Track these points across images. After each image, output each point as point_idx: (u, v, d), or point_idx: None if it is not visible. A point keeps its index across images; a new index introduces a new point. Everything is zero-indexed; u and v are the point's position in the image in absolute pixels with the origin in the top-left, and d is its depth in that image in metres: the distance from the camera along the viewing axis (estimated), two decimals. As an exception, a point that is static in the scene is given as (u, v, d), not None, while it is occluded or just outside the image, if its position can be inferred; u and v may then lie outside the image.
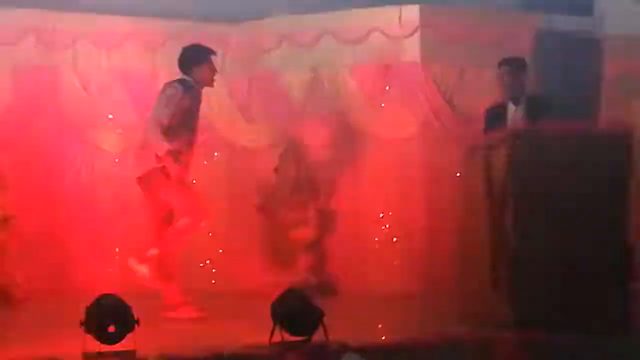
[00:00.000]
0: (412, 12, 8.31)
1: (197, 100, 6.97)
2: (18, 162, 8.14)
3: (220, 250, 8.72)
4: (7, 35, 8.17)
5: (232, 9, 8.67)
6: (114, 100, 8.58)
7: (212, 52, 7.03)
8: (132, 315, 4.93)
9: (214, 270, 8.68)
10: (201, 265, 8.66)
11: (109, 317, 4.87)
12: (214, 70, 7.00)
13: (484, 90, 8.01)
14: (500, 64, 7.08)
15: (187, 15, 8.63)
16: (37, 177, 8.29)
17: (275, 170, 8.52)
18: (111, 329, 4.84)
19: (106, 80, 8.56)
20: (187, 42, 8.48)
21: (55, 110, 8.41)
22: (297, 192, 8.43)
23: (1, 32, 8.13)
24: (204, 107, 8.58)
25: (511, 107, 6.94)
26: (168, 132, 6.59)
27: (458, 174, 7.09)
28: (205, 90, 8.60)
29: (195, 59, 6.95)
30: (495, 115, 6.98)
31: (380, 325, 6.30)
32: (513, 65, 7.03)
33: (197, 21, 8.66)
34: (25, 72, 8.28)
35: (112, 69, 8.57)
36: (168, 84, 6.90)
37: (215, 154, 8.82)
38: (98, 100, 8.53)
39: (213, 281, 8.62)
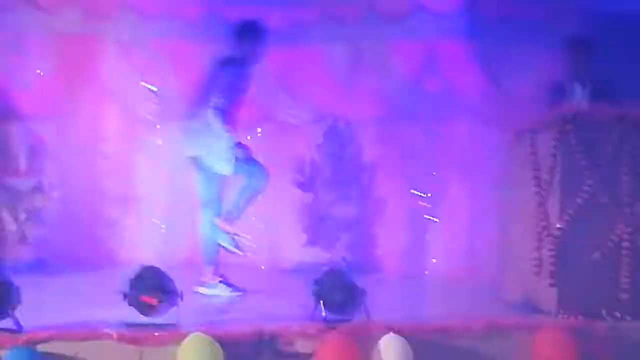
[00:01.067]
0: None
1: (249, 78, 6.87)
2: (60, 131, 8.16)
3: (262, 226, 8.70)
4: (52, 3, 8.14)
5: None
6: (158, 73, 8.55)
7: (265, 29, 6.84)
8: (176, 289, 4.92)
9: (254, 246, 8.65)
10: (243, 240, 8.64)
11: (152, 290, 4.85)
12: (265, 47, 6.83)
13: (531, 70, 7.88)
14: (567, 43, 6.86)
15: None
16: (80, 145, 8.30)
17: (318, 147, 8.46)
18: (154, 301, 4.82)
19: (150, 52, 8.51)
20: (233, 16, 8.56)
21: (98, 79, 8.40)
22: (339, 171, 8.38)
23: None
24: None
25: (574, 88, 6.75)
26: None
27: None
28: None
29: (251, 35, 6.78)
30: (556, 96, 6.80)
31: (422, 308, 6.24)
32: (580, 45, 6.82)
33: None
34: (69, 41, 8.26)
35: (154, 40, 8.52)
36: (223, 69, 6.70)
37: (259, 129, 8.77)
38: (141, 70, 8.50)
39: (253, 256, 8.60)
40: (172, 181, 8.44)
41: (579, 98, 6.68)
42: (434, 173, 8.32)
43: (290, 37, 8.68)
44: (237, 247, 6.69)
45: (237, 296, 6.57)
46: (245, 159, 6.64)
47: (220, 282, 6.69)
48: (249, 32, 6.75)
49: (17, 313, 4.63)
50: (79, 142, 8.33)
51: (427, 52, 8.36)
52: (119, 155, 8.52)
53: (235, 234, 6.71)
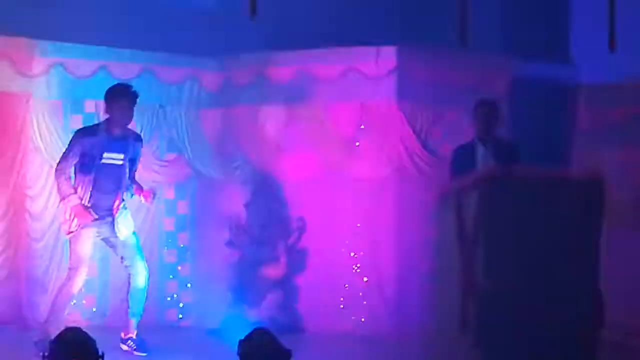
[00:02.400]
0: (389, 53, 8.33)
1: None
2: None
3: (189, 285, 8.65)
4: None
5: (208, 42, 8.65)
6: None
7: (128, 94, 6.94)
8: (97, 350, 4.83)
9: (181, 305, 8.60)
10: (168, 299, 8.58)
11: (74, 351, 4.76)
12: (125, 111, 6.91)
13: (458, 132, 8.05)
14: (475, 106, 7.13)
15: (162, 47, 8.59)
16: (6, 205, 8.17)
17: (246, 205, 8.48)
18: (75, 363, 4.72)
19: (78, 109, 8.45)
20: (160, 75, 8.62)
21: (23, 136, 8.26)
22: (267, 229, 8.39)
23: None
24: (176, 139, 8.69)
25: (480, 149, 6.98)
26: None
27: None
28: (179, 120, 8.70)
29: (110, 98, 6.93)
30: (463, 156, 7.02)
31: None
32: (486, 107, 7.10)
33: (172, 53, 8.63)
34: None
35: (84, 99, 8.46)
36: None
37: (183, 185, 8.77)
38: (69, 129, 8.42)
39: (180, 316, 8.54)
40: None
41: (484, 159, 6.89)
42: (358, 225, 8.35)
43: (224, 98, 8.76)
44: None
45: (141, 357, 6.57)
46: None
47: (129, 338, 6.72)
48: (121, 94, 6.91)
49: None
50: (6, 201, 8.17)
51: (358, 113, 8.44)
52: (46, 215, 8.35)
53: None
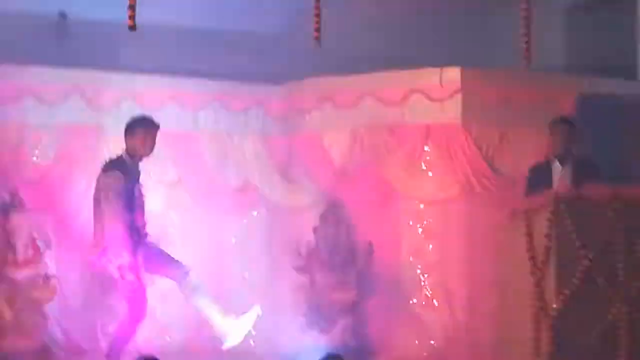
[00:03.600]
0: (453, 74, 8.32)
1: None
2: (59, 222, 8.20)
3: (260, 312, 8.67)
4: (53, 94, 8.27)
5: (273, 69, 8.75)
6: (155, 161, 8.63)
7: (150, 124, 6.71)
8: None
9: (253, 332, 8.63)
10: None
11: (149, 380, 4.84)
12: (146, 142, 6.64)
13: (525, 152, 8.00)
14: (551, 123, 7.01)
15: (228, 76, 8.70)
16: (77, 237, 8.32)
17: (315, 230, 8.50)
18: (151, 391, 4.81)
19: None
20: (227, 103, 8.73)
21: (94, 169, 8.45)
22: (336, 254, 8.39)
23: (48, 90, 8.24)
24: (244, 167, 8.77)
25: (557, 168, 6.84)
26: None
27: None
28: (246, 149, 8.78)
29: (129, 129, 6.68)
30: (539, 174, 6.90)
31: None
32: (564, 125, 6.96)
33: (239, 82, 8.73)
34: (69, 132, 8.36)
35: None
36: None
37: (255, 213, 8.85)
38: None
39: (252, 342, 8.57)
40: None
41: (562, 178, 6.76)
42: (427, 248, 8.30)
43: (290, 124, 8.83)
44: None
45: None
46: None
47: None
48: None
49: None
50: (78, 233, 8.33)
51: (424, 135, 8.43)
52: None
53: None
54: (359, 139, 8.63)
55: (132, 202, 6.53)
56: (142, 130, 6.60)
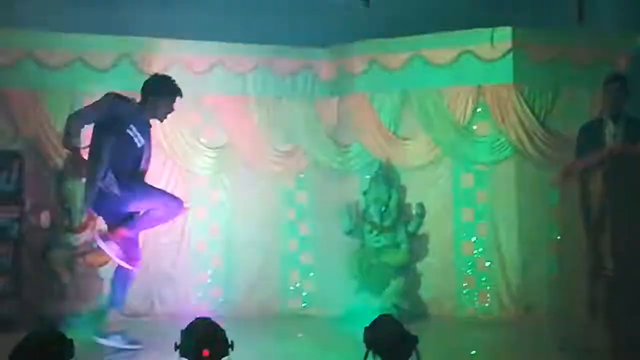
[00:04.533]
0: (504, 34, 8.20)
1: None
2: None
3: (311, 274, 8.74)
4: (103, 61, 8.33)
5: (321, 32, 8.70)
6: (205, 126, 8.68)
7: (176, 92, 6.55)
8: (227, 339, 4.94)
9: (304, 294, 8.70)
10: (291, 288, 8.70)
11: (204, 341, 4.88)
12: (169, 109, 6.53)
13: (578, 112, 7.88)
14: (604, 82, 6.86)
15: (277, 40, 8.68)
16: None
17: (365, 193, 8.49)
18: (206, 352, 4.85)
19: (198, 106, 8.64)
20: (276, 67, 8.72)
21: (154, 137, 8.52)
22: (387, 216, 8.38)
23: (96, 57, 8.30)
24: (292, 130, 8.78)
25: (610, 127, 6.70)
26: None
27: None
28: (294, 112, 8.77)
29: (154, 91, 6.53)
30: (591, 134, 6.76)
31: (473, 351, 6.19)
32: (617, 83, 6.81)
33: (287, 45, 8.71)
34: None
35: (203, 94, 8.64)
36: None
37: (303, 176, 8.87)
38: (189, 124, 8.63)
39: (304, 304, 8.64)
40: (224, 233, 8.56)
41: (614, 136, 6.62)
42: (478, 209, 8.26)
43: (339, 87, 8.80)
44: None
45: (136, 349, 6.51)
46: None
47: (116, 333, 6.57)
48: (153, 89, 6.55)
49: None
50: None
51: (475, 96, 8.34)
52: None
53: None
54: (409, 101, 8.57)
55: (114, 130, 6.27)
56: (166, 94, 6.50)
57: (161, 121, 6.62)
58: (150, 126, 6.54)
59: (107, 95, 6.47)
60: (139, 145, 6.38)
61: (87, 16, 8.25)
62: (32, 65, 8.12)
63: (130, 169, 6.35)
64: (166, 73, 8.39)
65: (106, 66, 8.31)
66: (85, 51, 8.25)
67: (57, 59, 8.18)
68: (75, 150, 6.23)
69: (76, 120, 6.30)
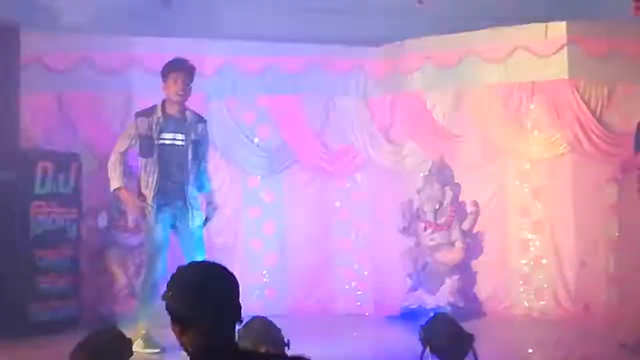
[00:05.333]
0: (558, 28, 8.11)
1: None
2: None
3: (365, 273, 8.73)
4: (158, 63, 8.41)
5: (374, 32, 8.69)
6: (259, 125, 8.73)
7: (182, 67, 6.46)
8: (283, 338, 4.96)
9: (359, 293, 8.70)
10: (346, 287, 8.70)
11: (261, 340, 4.91)
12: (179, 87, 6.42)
13: (634, 106, 7.75)
14: None
15: (329, 40, 8.69)
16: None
17: (419, 191, 8.46)
18: (262, 351, 4.87)
19: (251, 106, 8.69)
20: (328, 66, 8.74)
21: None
22: (441, 214, 8.34)
23: (152, 59, 8.38)
24: (346, 130, 8.78)
25: None
26: None
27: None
28: (348, 110, 8.77)
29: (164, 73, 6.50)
30: None
31: (530, 350, 6.13)
32: None
33: (339, 44, 8.71)
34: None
35: (257, 95, 8.69)
36: None
37: (358, 176, 8.88)
38: (242, 125, 8.69)
39: (359, 304, 8.64)
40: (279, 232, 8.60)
41: None
42: (534, 207, 8.18)
43: (391, 85, 8.78)
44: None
45: (156, 353, 6.30)
46: None
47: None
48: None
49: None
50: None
51: (529, 92, 8.26)
52: (226, 208, 8.65)
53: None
54: (462, 99, 8.52)
55: (151, 146, 6.32)
56: (180, 74, 6.42)
57: (177, 101, 6.46)
58: (198, 118, 6.52)
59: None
60: (180, 144, 6.38)
61: (142, 19, 8.35)
62: (89, 68, 8.24)
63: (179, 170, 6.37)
64: (220, 74, 8.58)
65: (160, 68, 8.38)
66: (141, 54, 8.35)
67: (113, 62, 8.29)
68: (117, 190, 6.41)
69: (111, 163, 6.48)
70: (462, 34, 8.40)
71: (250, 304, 8.14)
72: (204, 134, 6.54)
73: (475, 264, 8.38)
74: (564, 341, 6.73)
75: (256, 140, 8.71)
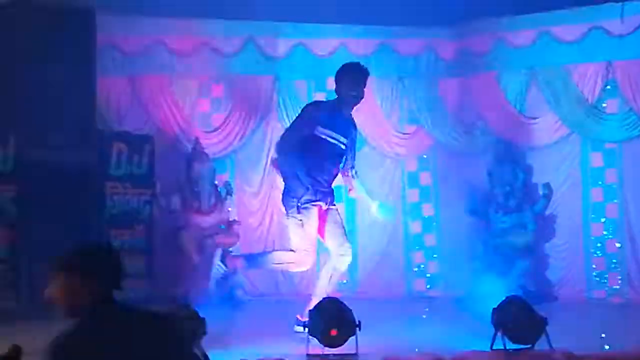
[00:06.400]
0: (635, 8, 7.94)
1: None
2: (239, 169, 8.49)
3: (435, 255, 8.71)
4: (228, 45, 8.51)
5: (443, 11, 8.60)
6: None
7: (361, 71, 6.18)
8: (354, 319, 5.00)
9: (428, 275, 8.68)
10: (415, 269, 8.69)
11: (332, 321, 4.96)
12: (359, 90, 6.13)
13: None
14: None
15: (398, 21, 8.64)
16: (255, 183, 8.60)
17: (490, 173, 8.39)
18: (334, 332, 4.92)
19: (321, 88, 8.72)
20: (398, 47, 8.69)
21: (272, 117, 8.67)
22: (512, 196, 8.26)
23: (222, 42, 8.48)
24: (418, 110, 8.74)
25: None
26: None
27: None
28: (418, 91, 8.72)
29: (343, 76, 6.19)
30: None
31: (603, 334, 6.04)
32: None
33: (408, 25, 8.66)
34: (244, 81, 8.59)
35: (326, 77, 8.70)
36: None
37: (425, 156, 8.83)
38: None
39: (428, 286, 8.63)
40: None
41: None
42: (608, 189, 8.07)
43: (462, 66, 8.71)
44: None
45: None
46: None
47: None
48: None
49: (204, 343, 4.82)
50: (254, 178, 8.60)
51: (604, 73, 8.12)
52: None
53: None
54: (536, 80, 8.40)
55: (318, 140, 6.04)
56: (359, 77, 6.13)
57: (351, 109, 6.22)
58: (354, 124, 6.31)
59: (308, 107, 6.31)
60: (342, 147, 6.13)
61: (213, 2, 8.41)
62: (162, 51, 8.35)
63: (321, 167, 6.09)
64: (289, 56, 8.62)
65: (232, 51, 8.49)
66: (212, 36, 8.43)
67: (185, 45, 8.39)
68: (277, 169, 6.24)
69: (278, 142, 6.31)
70: (536, 14, 8.28)
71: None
72: (356, 140, 6.41)
73: (548, 247, 8.30)
74: (638, 325, 6.62)
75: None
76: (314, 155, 5.95)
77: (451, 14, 8.55)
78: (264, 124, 8.66)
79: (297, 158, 5.96)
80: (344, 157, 6.15)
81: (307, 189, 5.85)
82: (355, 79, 6.12)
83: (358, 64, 6.24)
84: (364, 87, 6.13)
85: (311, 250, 5.89)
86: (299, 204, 5.82)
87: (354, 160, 6.29)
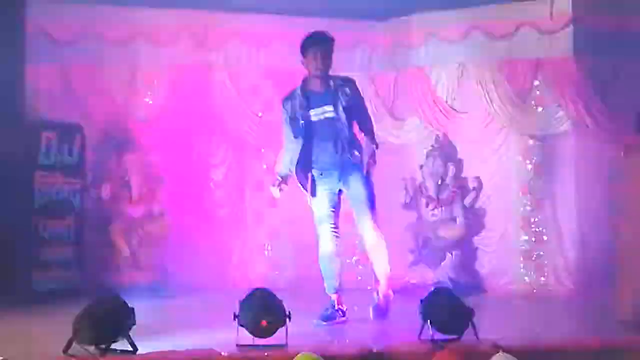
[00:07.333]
0: (564, 4, 8.08)
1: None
2: (172, 159, 8.41)
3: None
4: (165, 36, 8.43)
5: (378, 6, 8.64)
6: (262, 99, 8.73)
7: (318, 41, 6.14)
8: (284, 310, 5.01)
9: (360, 267, 8.72)
10: (348, 261, 8.72)
11: (262, 311, 4.96)
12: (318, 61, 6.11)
13: (638, 84, 7.75)
14: None
15: (333, 13, 8.64)
16: (189, 173, 8.53)
17: (421, 167, 8.48)
18: (264, 322, 4.92)
19: (255, 79, 8.71)
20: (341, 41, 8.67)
21: (207, 109, 8.62)
22: (444, 190, 8.37)
23: (160, 32, 8.41)
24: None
25: None
26: None
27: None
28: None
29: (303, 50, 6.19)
30: None
31: (529, 325, 6.17)
32: None
33: (343, 19, 8.67)
34: (179, 72, 8.53)
35: (260, 68, 8.71)
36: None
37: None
38: (248, 98, 8.71)
39: (359, 277, 8.66)
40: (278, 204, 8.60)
41: None
42: (535, 184, 8.23)
43: (396, 60, 8.77)
44: None
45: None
46: None
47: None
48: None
49: (132, 334, 4.79)
50: (189, 170, 8.54)
51: (533, 69, 8.25)
52: (228, 181, 8.71)
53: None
54: (467, 74, 8.50)
55: (301, 126, 6.11)
56: (317, 48, 6.12)
57: (318, 76, 6.16)
58: (342, 81, 6.22)
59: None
60: (331, 116, 6.12)
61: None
62: (92, 40, 8.23)
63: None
64: (225, 47, 8.57)
65: (166, 40, 8.42)
66: (146, 25, 8.35)
67: (118, 34, 8.28)
68: (283, 177, 6.27)
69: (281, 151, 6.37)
70: (466, 9, 8.37)
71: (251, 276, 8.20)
72: (354, 95, 6.25)
73: (477, 240, 8.42)
74: (563, 318, 6.77)
75: (260, 114, 8.72)
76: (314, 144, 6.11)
77: (385, 8, 8.62)
78: (198, 113, 8.59)
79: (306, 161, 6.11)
80: (339, 122, 6.12)
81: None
82: (306, 54, 6.15)
83: (317, 33, 6.19)
84: (329, 56, 6.12)
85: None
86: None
87: (369, 123, 6.30)
